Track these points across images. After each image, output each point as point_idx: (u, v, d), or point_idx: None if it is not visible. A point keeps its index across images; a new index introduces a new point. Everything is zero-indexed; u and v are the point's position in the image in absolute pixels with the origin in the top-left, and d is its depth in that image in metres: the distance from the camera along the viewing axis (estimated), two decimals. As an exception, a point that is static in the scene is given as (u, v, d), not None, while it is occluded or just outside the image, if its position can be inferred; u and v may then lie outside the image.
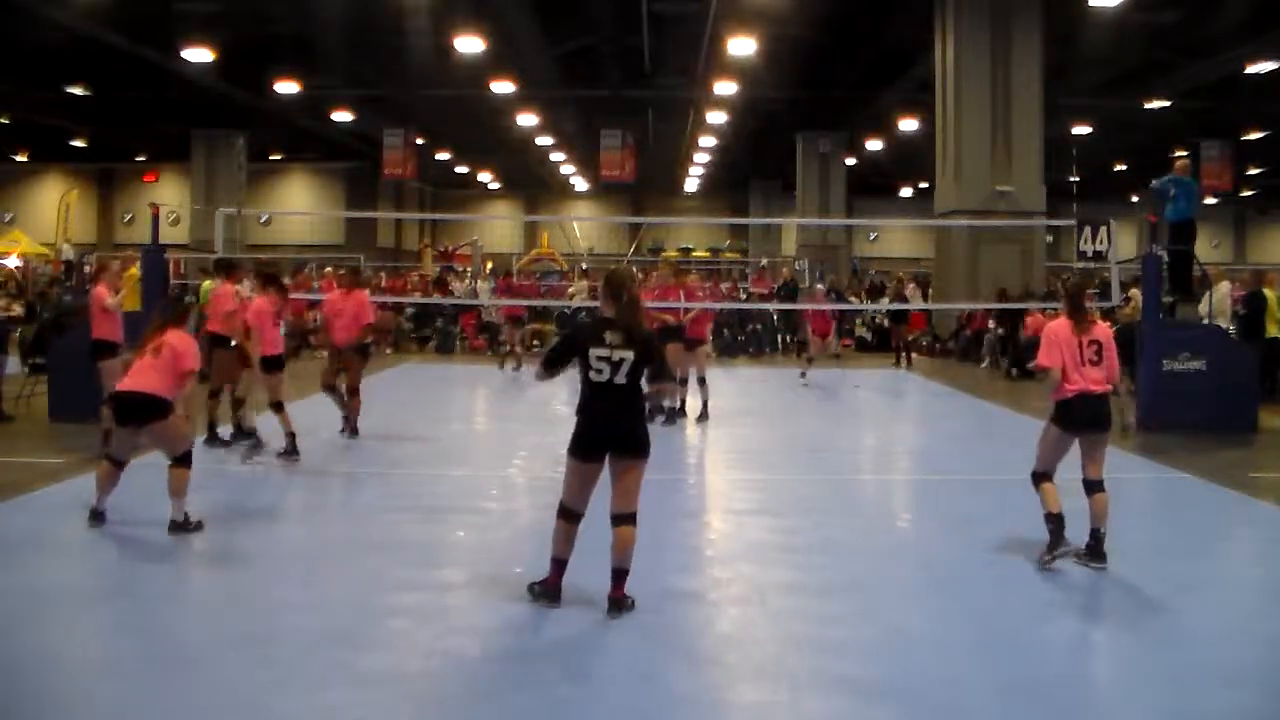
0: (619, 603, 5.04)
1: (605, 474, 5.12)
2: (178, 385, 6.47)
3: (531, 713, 4.07)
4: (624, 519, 5.05)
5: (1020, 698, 4.24)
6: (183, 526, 6.33)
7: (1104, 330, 6.13)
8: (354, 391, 10.12)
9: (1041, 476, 6.01)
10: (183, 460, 6.40)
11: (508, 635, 4.87)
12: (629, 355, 5.01)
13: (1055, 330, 6.02)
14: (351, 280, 10.89)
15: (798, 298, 22.25)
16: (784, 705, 4.19)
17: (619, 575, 5.06)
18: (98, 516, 6.42)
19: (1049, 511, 5.91)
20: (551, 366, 5.25)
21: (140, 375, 6.39)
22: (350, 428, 10.10)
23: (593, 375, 5.03)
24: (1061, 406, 5.93)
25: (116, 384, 6.65)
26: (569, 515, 5.11)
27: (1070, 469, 6.10)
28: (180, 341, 6.53)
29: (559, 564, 5.13)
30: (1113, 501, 6.08)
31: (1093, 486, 5.96)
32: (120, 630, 4.95)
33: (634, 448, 5.06)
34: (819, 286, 15.93)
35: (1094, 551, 5.89)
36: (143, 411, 6.34)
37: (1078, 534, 6.03)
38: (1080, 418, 5.91)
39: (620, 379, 5.01)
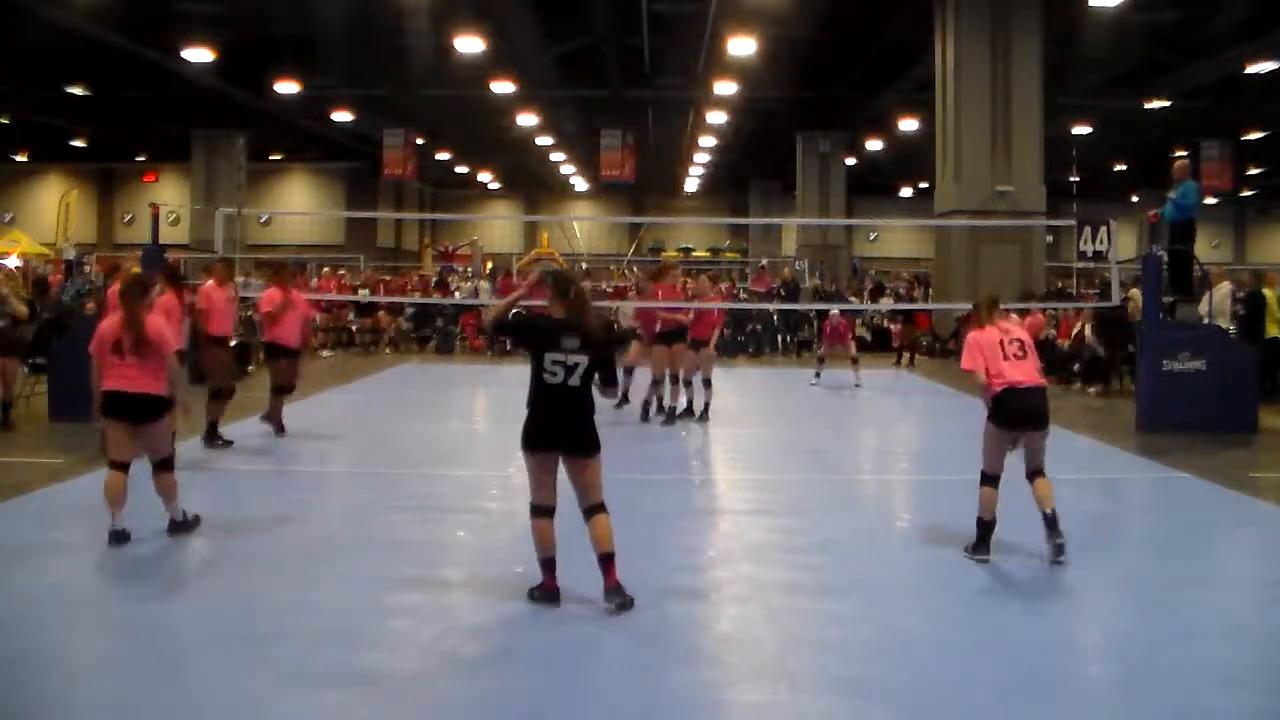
0: (616, 590, 5.07)
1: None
2: (165, 373, 6.35)
3: (531, 713, 4.07)
4: (594, 509, 5.14)
5: (1019, 698, 4.24)
6: (182, 526, 6.32)
7: (1023, 331, 6.28)
8: (293, 389, 10.16)
9: (987, 478, 6.02)
10: (167, 464, 6.33)
11: (508, 635, 4.87)
12: (584, 360, 5.09)
13: (974, 336, 6.14)
14: (291, 278, 10.64)
15: (798, 298, 22.25)
16: (784, 705, 4.19)
17: (606, 560, 5.10)
18: (119, 537, 6.09)
19: (981, 516, 5.98)
20: (501, 331, 5.38)
21: (132, 376, 6.20)
22: (277, 425, 10.04)
23: (546, 377, 5.10)
24: (995, 402, 5.97)
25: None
26: (542, 511, 5.16)
27: (1061, 469, 6.10)
28: (155, 328, 6.33)
29: (548, 564, 5.17)
30: (1113, 501, 6.13)
31: (1033, 474, 5.99)
32: (120, 630, 4.95)
33: (585, 447, 5.15)
34: (834, 311, 15.90)
35: (1049, 529, 5.89)
36: (142, 412, 6.24)
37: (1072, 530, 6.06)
38: (1015, 411, 5.93)
39: (574, 382, 5.09)
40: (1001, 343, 6.03)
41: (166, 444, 6.41)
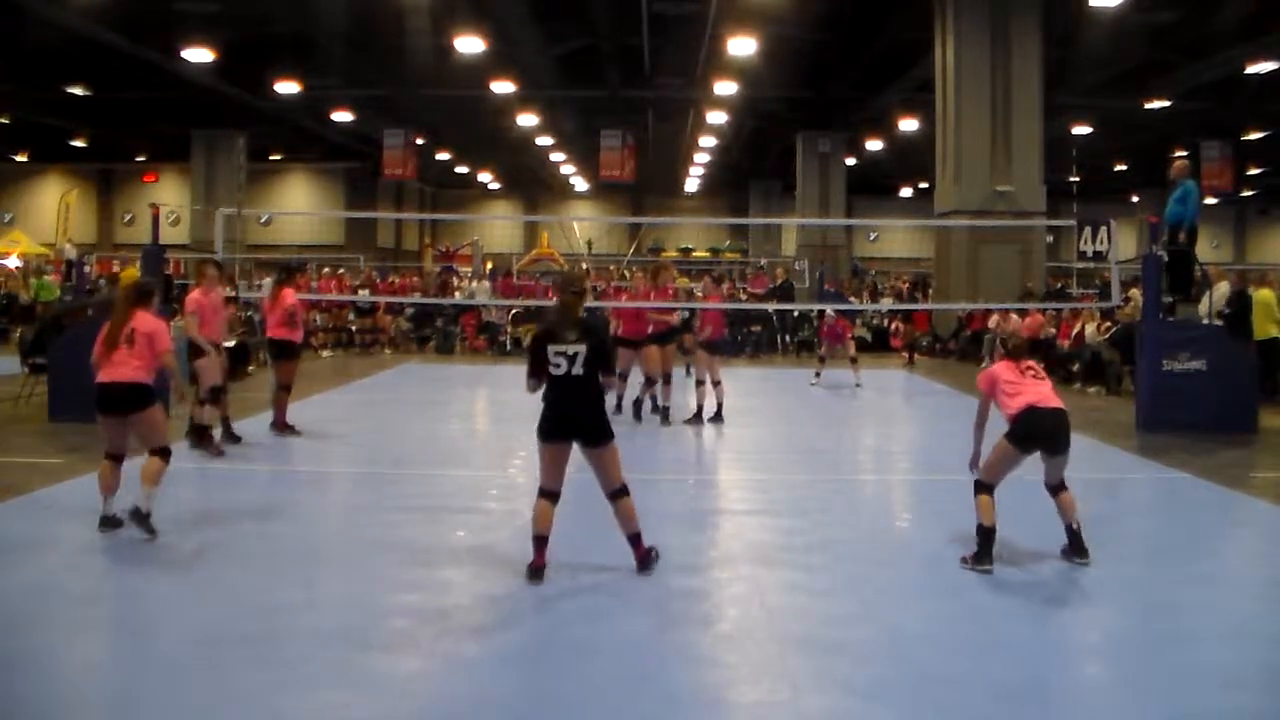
0: (645, 560, 5.63)
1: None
2: (156, 368, 6.46)
3: (531, 713, 4.07)
4: (618, 494, 5.61)
5: (1020, 698, 4.23)
6: (143, 519, 6.16)
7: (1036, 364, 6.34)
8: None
9: (983, 487, 5.98)
10: (163, 452, 6.39)
11: (508, 635, 4.87)
12: (582, 349, 5.51)
13: (990, 371, 6.26)
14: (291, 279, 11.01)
15: (794, 297, 22.25)
16: (784, 705, 4.19)
17: (634, 539, 5.62)
18: (109, 522, 6.30)
19: (981, 523, 5.89)
20: (533, 377, 5.70)
21: (120, 366, 6.34)
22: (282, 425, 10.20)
23: (552, 369, 5.54)
24: (1015, 421, 5.90)
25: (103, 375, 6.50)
26: (547, 495, 5.57)
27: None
28: (149, 324, 6.49)
29: (541, 541, 5.52)
30: (1113, 501, 6.14)
31: (1055, 489, 6.01)
32: (120, 630, 4.95)
33: (597, 435, 5.56)
34: (830, 311, 15.91)
35: (1075, 547, 5.95)
36: (128, 401, 6.32)
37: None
38: (1036, 431, 5.87)
39: (577, 370, 5.52)
40: (1019, 367, 6.09)
41: (160, 434, 6.44)
